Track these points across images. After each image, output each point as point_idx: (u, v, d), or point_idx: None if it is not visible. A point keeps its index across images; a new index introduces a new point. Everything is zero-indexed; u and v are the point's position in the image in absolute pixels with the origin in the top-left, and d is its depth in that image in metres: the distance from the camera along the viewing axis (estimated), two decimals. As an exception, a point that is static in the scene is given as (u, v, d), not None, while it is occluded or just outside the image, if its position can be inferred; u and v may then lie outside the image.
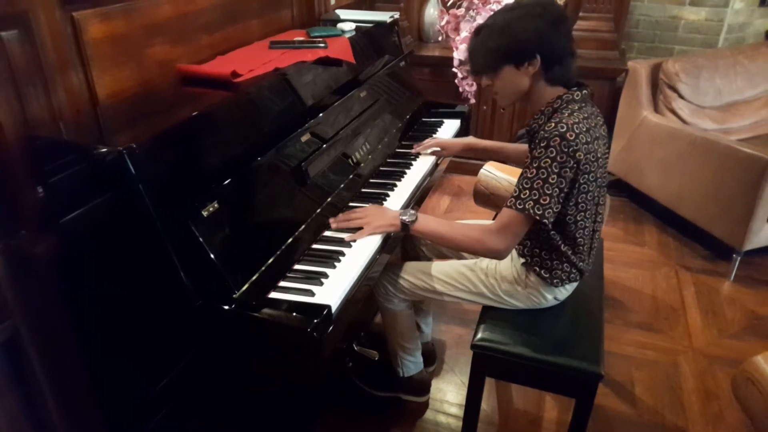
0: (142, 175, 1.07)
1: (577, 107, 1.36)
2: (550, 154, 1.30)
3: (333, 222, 1.49)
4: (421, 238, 1.86)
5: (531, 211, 1.33)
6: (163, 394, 1.34)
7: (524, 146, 1.84)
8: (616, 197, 3.24)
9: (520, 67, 1.38)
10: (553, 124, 1.31)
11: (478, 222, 1.55)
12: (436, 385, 2.00)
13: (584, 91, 1.39)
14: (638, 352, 2.16)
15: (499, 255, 1.43)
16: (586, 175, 1.35)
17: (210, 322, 1.18)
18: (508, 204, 1.36)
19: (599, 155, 1.37)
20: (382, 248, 1.46)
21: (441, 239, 1.50)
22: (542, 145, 1.31)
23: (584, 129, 1.31)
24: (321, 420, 1.90)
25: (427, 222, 1.48)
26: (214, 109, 1.34)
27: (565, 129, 1.29)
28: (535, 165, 1.32)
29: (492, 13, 3.04)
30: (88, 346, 1.27)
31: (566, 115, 1.33)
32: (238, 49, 1.76)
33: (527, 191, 1.33)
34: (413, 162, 1.90)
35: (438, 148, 1.95)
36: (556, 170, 1.31)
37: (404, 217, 1.46)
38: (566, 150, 1.29)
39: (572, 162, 1.30)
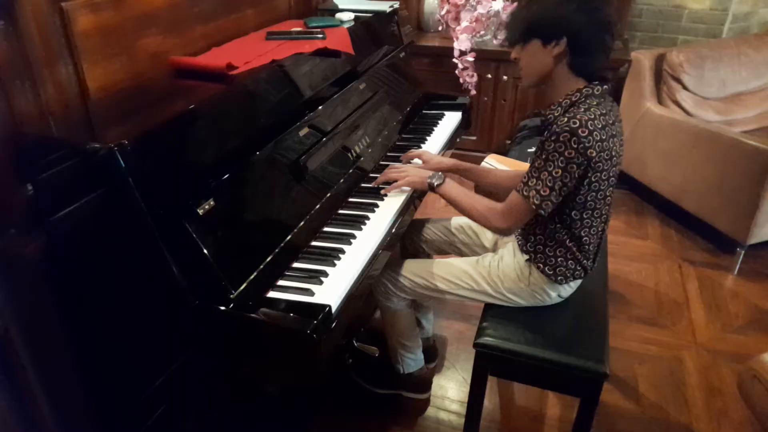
0: (134, 172, 1.04)
1: (595, 102, 1.33)
2: (558, 149, 1.29)
3: (374, 183, 1.65)
4: (422, 239, 1.85)
5: (531, 199, 1.34)
6: (159, 393, 1.32)
7: (515, 172, 1.79)
8: (618, 189, 3.20)
9: (546, 44, 1.34)
10: (566, 119, 1.29)
11: None
12: (437, 382, 1.97)
13: (605, 86, 1.36)
14: (641, 347, 2.14)
15: (501, 232, 1.51)
16: (599, 174, 1.32)
17: (207, 322, 1.15)
18: (517, 188, 1.39)
19: (614, 153, 1.34)
20: (384, 243, 1.43)
21: (456, 205, 1.56)
22: (552, 138, 1.29)
23: (599, 126, 1.28)
24: (320, 418, 1.87)
25: (451, 187, 1.56)
26: (209, 103, 1.30)
27: (577, 125, 1.26)
28: (543, 156, 1.32)
29: (492, 2, 3.01)
30: (81, 345, 1.24)
31: (582, 110, 1.30)
32: (233, 41, 1.72)
33: (534, 179, 1.34)
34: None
35: (419, 161, 1.78)
36: (561, 165, 1.29)
37: (433, 179, 1.57)
38: (575, 146, 1.27)
39: (581, 159, 1.28)
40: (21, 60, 1.09)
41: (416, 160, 1.78)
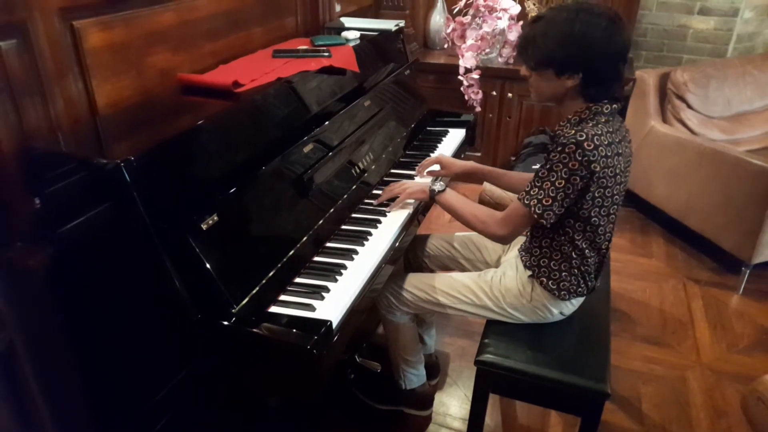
0: (139, 187, 1.06)
1: (603, 119, 1.35)
2: (563, 159, 1.30)
3: (375, 200, 1.67)
4: (425, 254, 1.85)
5: (533, 208, 1.36)
6: (161, 406, 1.32)
7: (529, 175, 1.81)
8: (622, 207, 3.19)
9: (560, 75, 1.35)
10: (573, 131, 1.31)
11: None
12: (439, 398, 1.96)
13: (614, 105, 1.38)
14: (645, 367, 2.12)
15: (499, 240, 1.51)
16: (602, 189, 1.34)
17: (208, 336, 1.16)
18: (519, 197, 1.40)
19: (617, 171, 1.35)
20: (387, 258, 1.44)
21: (455, 213, 1.57)
22: (558, 149, 1.31)
23: (606, 142, 1.30)
24: (321, 433, 1.87)
25: (451, 196, 1.59)
26: (215, 120, 1.32)
27: (583, 138, 1.28)
28: (547, 166, 1.34)
29: (500, 17, 3.03)
30: (85, 357, 1.25)
31: (590, 125, 1.33)
32: (240, 58, 1.75)
33: (536, 189, 1.36)
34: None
35: (437, 167, 1.83)
36: (565, 176, 1.31)
37: (434, 186, 1.61)
38: (580, 158, 1.29)
39: (584, 171, 1.30)
40: (32, 76, 1.12)
41: (436, 166, 1.82)
